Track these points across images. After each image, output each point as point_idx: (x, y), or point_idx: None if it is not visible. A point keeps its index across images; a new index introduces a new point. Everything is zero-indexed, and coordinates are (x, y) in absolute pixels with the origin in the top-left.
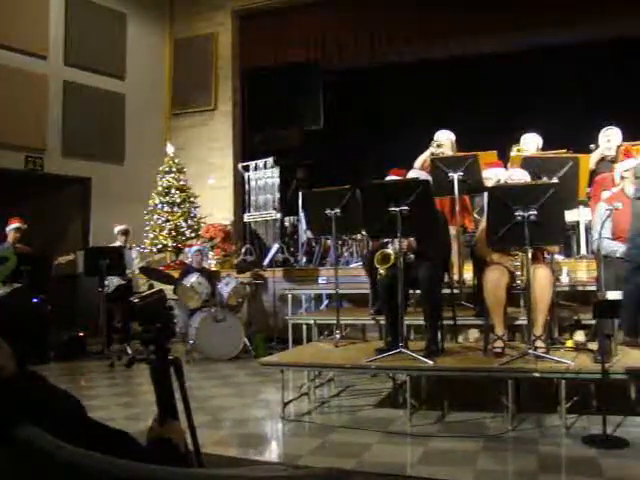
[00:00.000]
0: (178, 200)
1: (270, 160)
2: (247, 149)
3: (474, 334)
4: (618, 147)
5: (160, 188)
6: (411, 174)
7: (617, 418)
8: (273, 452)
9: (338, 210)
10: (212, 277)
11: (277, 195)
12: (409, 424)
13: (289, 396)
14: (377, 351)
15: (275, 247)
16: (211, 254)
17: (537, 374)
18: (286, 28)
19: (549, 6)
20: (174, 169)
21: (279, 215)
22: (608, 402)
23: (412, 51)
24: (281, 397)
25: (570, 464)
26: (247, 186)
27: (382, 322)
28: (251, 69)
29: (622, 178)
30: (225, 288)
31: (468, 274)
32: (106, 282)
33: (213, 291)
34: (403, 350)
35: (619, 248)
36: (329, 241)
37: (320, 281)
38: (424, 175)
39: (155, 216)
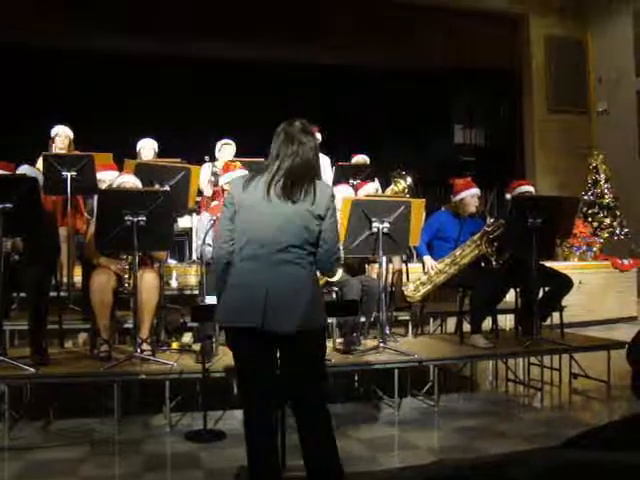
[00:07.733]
0: None
1: None
2: None
3: (83, 338)
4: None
5: None
6: (21, 170)
7: (219, 413)
8: None
9: None
10: None
11: None
12: (8, 437)
13: None
14: None
15: None
16: None
17: (143, 376)
18: None
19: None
20: None
21: None
22: (213, 398)
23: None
24: None
25: (174, 460)
26: None
27: None
28: None
29: (223, 191)
30: None
31: (78, 277)
32: None
33: None
34: (2, 358)
35: None
36: None
37: None
38: (33, 172)
39: None
